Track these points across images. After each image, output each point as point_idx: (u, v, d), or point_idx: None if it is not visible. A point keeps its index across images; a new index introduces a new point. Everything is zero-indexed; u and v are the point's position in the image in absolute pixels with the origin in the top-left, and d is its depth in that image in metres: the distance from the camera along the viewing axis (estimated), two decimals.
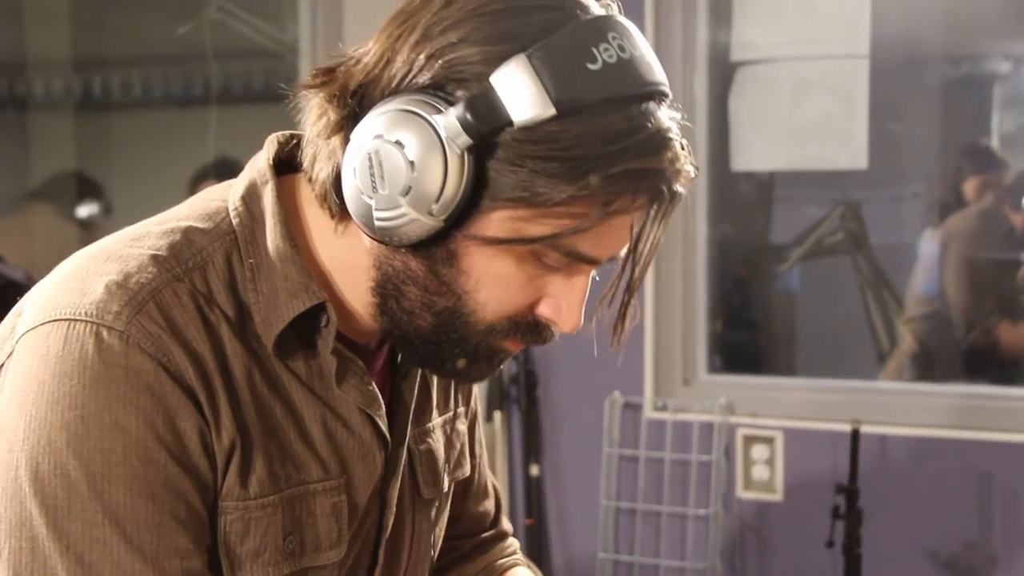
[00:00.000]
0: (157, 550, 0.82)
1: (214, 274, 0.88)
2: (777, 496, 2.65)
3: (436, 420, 1.07)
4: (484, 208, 0.83)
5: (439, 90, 0.82)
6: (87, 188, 3.75)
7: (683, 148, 0.84)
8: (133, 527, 0.81)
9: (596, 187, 0.80)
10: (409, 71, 0.83)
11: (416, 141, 0.81)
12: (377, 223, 0.83)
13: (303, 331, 0.90)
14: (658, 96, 0.83)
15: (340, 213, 0.88)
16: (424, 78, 0.82)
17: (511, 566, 1.22)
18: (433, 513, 1.08)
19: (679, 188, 0.84)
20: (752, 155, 2.84)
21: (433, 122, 0.81)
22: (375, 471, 0.97)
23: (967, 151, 3.11)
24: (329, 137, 0.86)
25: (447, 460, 1.09)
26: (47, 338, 0.83)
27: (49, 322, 0.84)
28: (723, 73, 2.78)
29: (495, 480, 1.25)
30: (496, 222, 0.83)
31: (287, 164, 0.94)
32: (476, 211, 0.83)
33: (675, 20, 2.70)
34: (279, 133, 0.96)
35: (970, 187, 2.98)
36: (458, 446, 1.12)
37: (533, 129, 0.80)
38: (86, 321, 0.83)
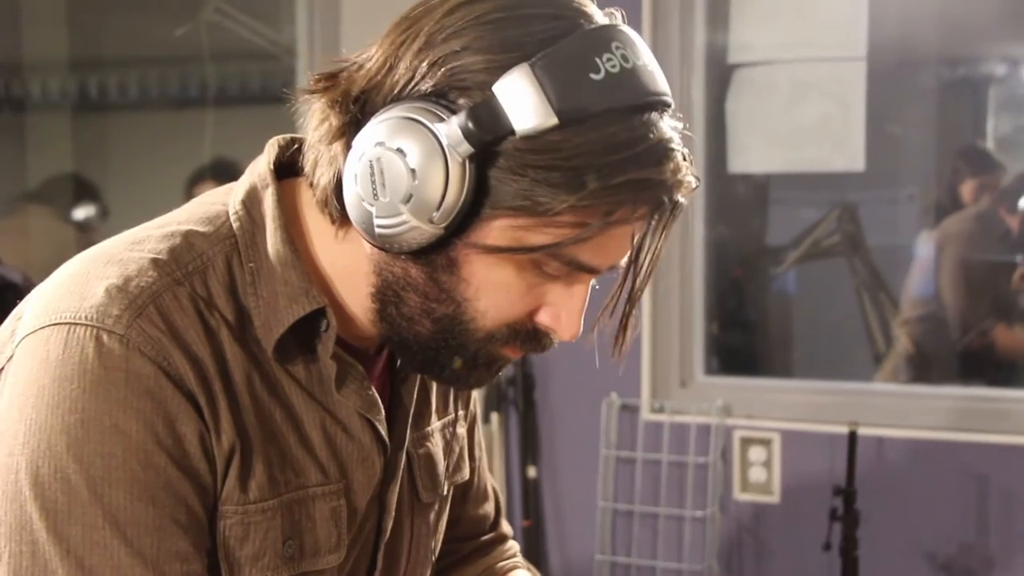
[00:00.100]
0: (157, 554, 0.82)
1: (214, 278, 0.88)
2: (774, 498, 2.65)
3: (435, 424, 1.07)
4: (485, 216, 0.83)
5: (441, 98, 0.82)
6: (84, 190, 3.74)
7: (685, 159, 0.84)
8: (133, 531, 0.81)
9: (597, 197, 0.81)
10: (411, 78, 0.83)
11: (418, 149, 0.81)
12: (378, 230, 0.83)
13: (303, 336, 0.90)
14: (660, 106, 0.83)
15: (341, 219, 0.88)
16: (426, 86, 0.82)
17: (511, 569, 1.22)
18: (432, 517, 1.08)
19: (680, 199, 0.84)
20: (749, 157, 2.84)
21: (435, 130, 0.81)
22: (374, 475, 0.97)
23: (963, 153, 3.12)
24: (331, 143, 0.86)
25: (446, 464, 1.09)
26: (47, 342, 0.83)
27: (49, 326, 0.84)
28: (720, 75, 2.78)
29: (495, 483, 1.25)
30: (497, 230, 0.83)
31: (288, 168, 0.94)
32: (477, 219, 0.83)
33: (672, 22, 2.70)
34: (280, 136, 0.96)
35: (966, 189, 2.98)
36: (457, 450, 1.12)
37: (535, 138, 0.80)
38: (86, 325, 0.83)
